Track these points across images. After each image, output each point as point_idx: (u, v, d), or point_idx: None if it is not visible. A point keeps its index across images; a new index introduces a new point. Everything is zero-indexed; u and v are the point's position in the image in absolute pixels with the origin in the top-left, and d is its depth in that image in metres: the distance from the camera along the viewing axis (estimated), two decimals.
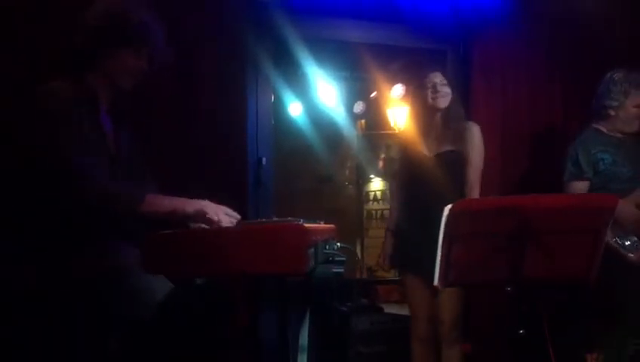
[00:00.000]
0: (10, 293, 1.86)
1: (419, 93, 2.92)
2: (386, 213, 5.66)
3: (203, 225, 1.89)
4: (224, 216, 1.86)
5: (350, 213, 7.23)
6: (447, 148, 2.88)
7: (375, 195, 7.23)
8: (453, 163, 2.86)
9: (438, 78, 2.88)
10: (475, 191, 2.83)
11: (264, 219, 2.20)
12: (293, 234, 1.52)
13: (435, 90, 2.85)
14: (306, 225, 1.57)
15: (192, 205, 1.86)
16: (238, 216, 1.93)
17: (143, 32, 2.02)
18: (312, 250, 1.64)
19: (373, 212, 7.21)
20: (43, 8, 2.69)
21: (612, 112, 2.95)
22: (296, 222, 1.60)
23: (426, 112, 2.93)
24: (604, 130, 3.00)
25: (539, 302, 2.41)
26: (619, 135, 2.98)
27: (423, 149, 2.93)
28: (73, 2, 2.41)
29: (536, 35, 3.65)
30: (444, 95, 2.86)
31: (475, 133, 2.88)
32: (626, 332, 2.81)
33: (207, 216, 1.85)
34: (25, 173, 1.93)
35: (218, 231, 1.73)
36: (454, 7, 3.48)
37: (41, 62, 2.54)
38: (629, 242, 2.78)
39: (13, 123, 2.04)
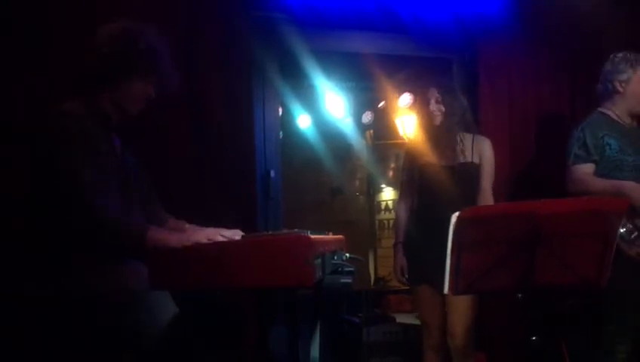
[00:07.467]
0: (17, 311, 1.86)
1: (419, 106, 3.03)
2: None
3: None
4: (220, 238, 1.79)
5: (362, 224, 7.18)
6: (461, 159, 2.92)
7: (387, 205, 7.18)
8: (467, 174, 2.91)
9: (434, 95, 2.94)
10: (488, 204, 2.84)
11: (271, 232, 2.20)
12: (298, 246, 1.51)
13: (429, 106, 2.94)
14: (312, 236, 1.57)
15: (189, 239, 1.78)
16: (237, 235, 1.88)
17: (152, 60, 2.02)
18: (319, 261, 1.63)
19: (385, 222, 7.16)
20: (56, 30, 2.72)
21: (620, 88, 2.93)
22: (301, 234, 1.59)
23: (428, 124, 2.97)
24: (611, 114, 2.97)
25: (551, 307, 2.39)
26: (626, 123, 2.96)
27: (435, 159, 2.94)
28: (84, 25, 2.45)
29: (541, 41, 3.65)
30: (437, 113, 2.93)
31: (487, 148, 2.96)
32: (613, 338, 2.75)
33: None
34: (36, 191, 1.93)
35: (223, 244, 1.71)
36: (458, 17, 3.49)
37: (52, 85, 2.56)
38: (623, 229, 2.67)
39: (29, 143, 2.05)
